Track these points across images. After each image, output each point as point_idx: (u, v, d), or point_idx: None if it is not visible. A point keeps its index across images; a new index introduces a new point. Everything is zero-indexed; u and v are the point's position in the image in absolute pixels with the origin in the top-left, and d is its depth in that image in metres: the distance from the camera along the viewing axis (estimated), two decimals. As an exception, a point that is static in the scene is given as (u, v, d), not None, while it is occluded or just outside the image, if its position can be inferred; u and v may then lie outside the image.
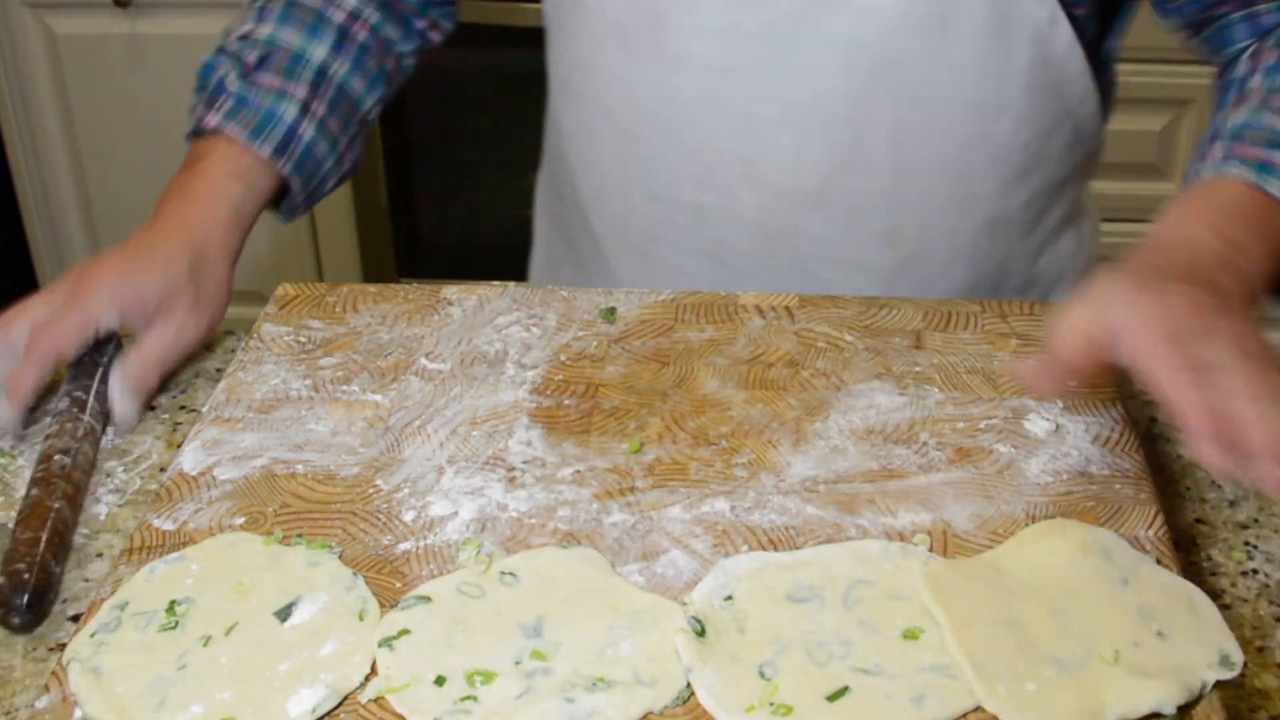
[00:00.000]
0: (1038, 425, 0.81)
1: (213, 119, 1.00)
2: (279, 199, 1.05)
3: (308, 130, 1.02)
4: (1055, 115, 0.99)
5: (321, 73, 1.04)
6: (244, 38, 1.04)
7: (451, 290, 0.96)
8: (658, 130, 1.01)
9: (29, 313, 0.90)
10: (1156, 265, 0.77)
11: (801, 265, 1.03)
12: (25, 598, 0.74)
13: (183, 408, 0.96)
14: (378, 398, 0.85)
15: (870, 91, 0.95)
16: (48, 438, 0.87)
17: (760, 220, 1.01)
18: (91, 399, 0.90)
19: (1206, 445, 0.69)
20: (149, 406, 0.94)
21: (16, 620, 0.74)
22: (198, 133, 1.01)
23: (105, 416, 0.91)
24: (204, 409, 0.85)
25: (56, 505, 0.80)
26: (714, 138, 0.99)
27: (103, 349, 0.95)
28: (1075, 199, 1.07)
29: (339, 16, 1.06)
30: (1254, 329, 0.76)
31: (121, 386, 0.89)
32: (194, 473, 0.79)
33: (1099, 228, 1.14)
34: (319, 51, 1.04)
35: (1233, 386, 0.70)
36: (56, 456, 0.84)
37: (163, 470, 0.89)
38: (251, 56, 1.03)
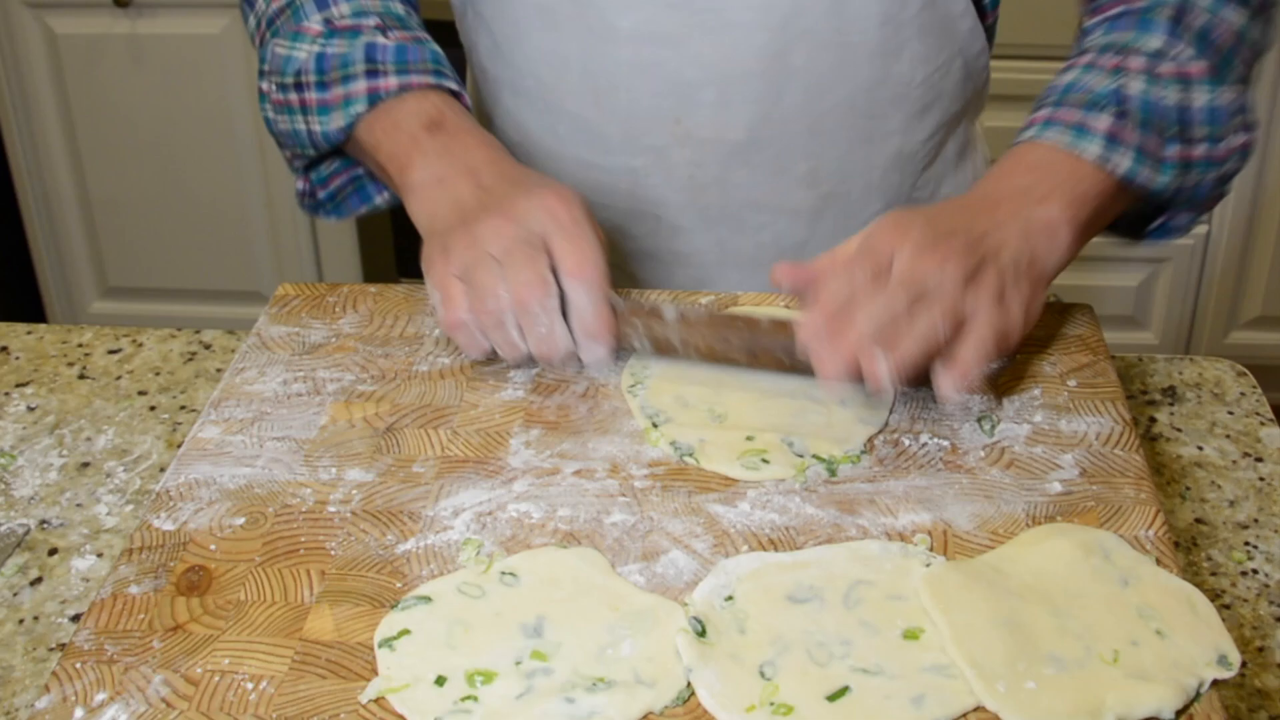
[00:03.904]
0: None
1: (392, 81, 0.96)
2: None
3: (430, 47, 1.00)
4: (947, 53, 1.05)
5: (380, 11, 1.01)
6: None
7: (451, 290, 0.95)
8: (587, 101, 1.05)
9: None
10: (939, 212, 0.83)
11: (732, 213, 1.09)
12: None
13: (183, 408, 0.96)
14: (378, 398, 0.85)
15: (785, 46, 1.00)
16: None
17: (690, 175, 1.07)
18: None
19: (811, 330, 0.77)
20: (149, 407, 0.94)
21: None
22: (374, 101, 0.96)
23: None
24: (204, 409, 0.85)
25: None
26: (643, 102, 1.04)
27: None
28: (968, 132, 1.15)
29: None
30: (990, 277, 0.80)
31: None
32: (194, 473, 0.79)
33: (989, 159, 1.21)
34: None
35: (866, 299, 0.77)
36: None
37: (163, 470, 0.89)
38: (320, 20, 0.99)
